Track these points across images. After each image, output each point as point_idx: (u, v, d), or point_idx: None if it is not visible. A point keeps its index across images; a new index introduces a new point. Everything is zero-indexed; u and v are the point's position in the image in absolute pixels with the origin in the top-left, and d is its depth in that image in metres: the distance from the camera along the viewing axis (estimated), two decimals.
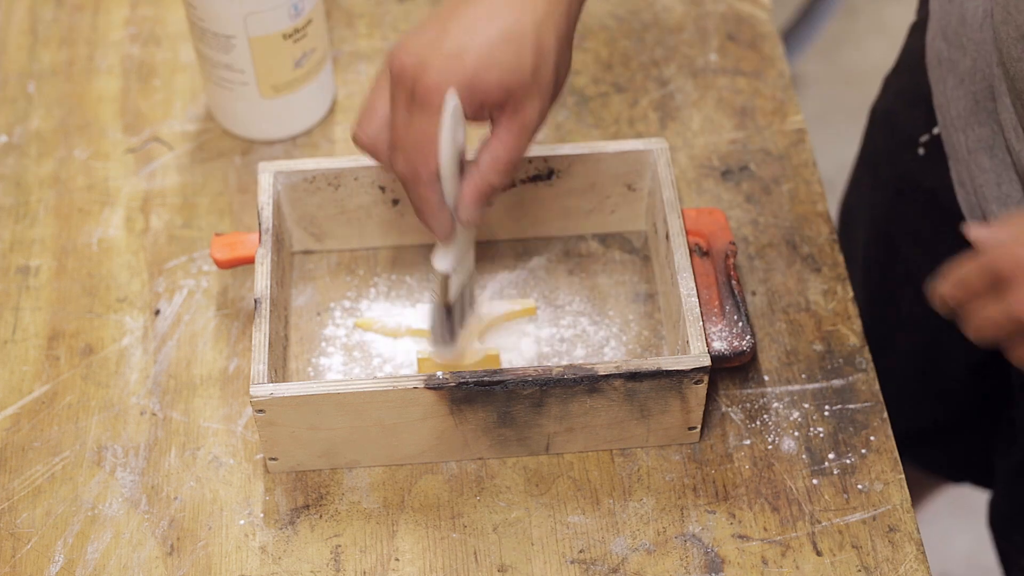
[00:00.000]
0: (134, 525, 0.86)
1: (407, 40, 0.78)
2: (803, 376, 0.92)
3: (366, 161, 0.93)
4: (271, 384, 0.83)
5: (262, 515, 0.86)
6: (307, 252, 0.98)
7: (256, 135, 1.05)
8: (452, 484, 0.87)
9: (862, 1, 2.30)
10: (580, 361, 0.91)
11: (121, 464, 0.89)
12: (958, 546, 1.74)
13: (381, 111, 0.80)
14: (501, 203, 0.96)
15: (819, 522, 0.86)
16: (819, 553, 0.85)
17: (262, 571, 0.84)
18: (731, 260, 0.92)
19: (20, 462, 0.89)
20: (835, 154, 1.83)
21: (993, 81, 0.89)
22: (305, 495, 0.87)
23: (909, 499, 0.87)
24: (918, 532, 0.86)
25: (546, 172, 0.95)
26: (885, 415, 0.90)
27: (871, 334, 0.97)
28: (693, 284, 0.87)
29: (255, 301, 0.87)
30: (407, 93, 0.77)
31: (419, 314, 0.93)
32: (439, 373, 0.83)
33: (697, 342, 0.84)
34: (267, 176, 0.93)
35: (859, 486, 0.87)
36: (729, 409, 0.91)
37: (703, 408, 0.86)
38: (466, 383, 0.83)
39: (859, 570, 0.84)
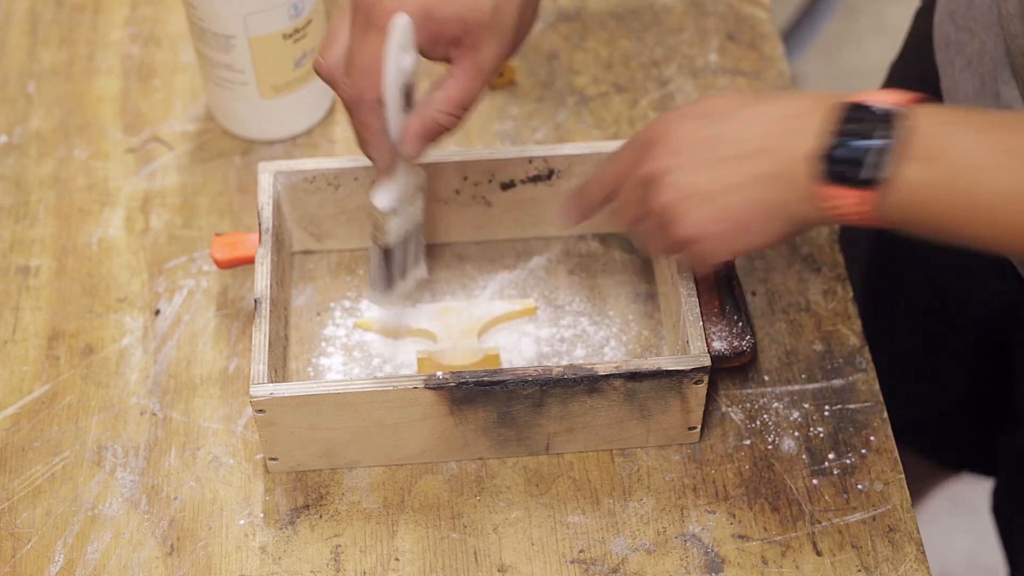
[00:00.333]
0: (134, 525, 0.86)
1: None
2: (803, 376, 0.92)
3: (366, 161, 0.93)
4: (271, 384, 0.83)
5: (262, 515, 0.86)
6: (307, 252, 0.98)
7: (256, 135, 1.05)
8: (452, 484, 0.87)
9: (862, 1, 2.30)
10: (580, 361, 0.91)
11: (121, 464, 0.89)
12: (958, 546, 1.74)
13: (342, 39, 0.78)
14: (501, 203, 0.96)
15: (819, 522, 0.86)
16: (819, 553, 0.85)
17: (262, 571, 0.84)
18: (731, 260, 0.92)
19: (20, 462, 0.89)
20: None
21: (999, 62, 0.89)
22: (305, 495, 0.87)
23: (909, 499, 0.87)
24: (918, 532, 0.86)
25: (546, 172, 0.95)
26: (885, 415, 0.90)
27: (871, 330, 0.96)
28: (693, 284, 0.87)
29: (255, 301, 0.87)
30: (364, 16, 0.76)
31: (419, 314, 0.93)
32: (439, 373, 0.83)
33: (697, 342, 0.84)
34: (267, 176, 0.93)
35: (859, 486, 0.87)
36: (729, 409, 0.91)
37: (703, 408, 0.86)
38: (466, 383, 0.83)
39: (859, 570, 0.84)
